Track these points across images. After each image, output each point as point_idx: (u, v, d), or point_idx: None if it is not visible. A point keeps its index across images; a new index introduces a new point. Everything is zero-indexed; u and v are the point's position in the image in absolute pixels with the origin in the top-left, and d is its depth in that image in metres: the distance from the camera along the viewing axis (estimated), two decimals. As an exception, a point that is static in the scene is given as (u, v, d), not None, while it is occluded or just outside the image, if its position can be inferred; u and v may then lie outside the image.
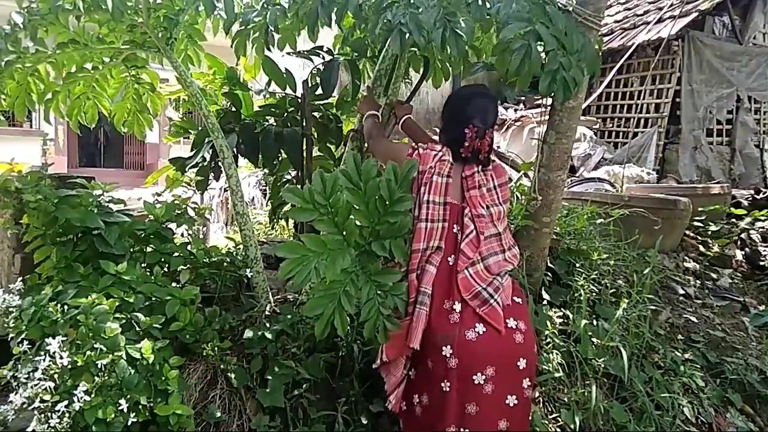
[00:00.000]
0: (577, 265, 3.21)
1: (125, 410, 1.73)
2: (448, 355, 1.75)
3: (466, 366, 1.74)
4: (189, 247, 2.65)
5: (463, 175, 1.95)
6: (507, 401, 1.76)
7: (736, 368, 2.96)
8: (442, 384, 1.75)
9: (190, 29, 2.86)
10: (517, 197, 3.54)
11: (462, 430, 1.73)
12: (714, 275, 4.15)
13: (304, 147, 3.00)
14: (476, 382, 1.73)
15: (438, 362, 1.78)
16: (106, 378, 1.76)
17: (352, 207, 1.78)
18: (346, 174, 1.77)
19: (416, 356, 1.87)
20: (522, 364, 1.81)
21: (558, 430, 2.40)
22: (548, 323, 2.69)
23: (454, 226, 1.91)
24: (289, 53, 2.97)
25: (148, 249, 2.55)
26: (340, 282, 1.72)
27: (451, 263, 1.88)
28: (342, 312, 1.73)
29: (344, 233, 1.76)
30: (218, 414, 2.09)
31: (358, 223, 1.80)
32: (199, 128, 3.10)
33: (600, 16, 2.54)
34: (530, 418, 2.12)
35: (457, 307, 1.81)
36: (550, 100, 2.70)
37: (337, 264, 1.69)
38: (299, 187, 1.76)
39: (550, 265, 3.09)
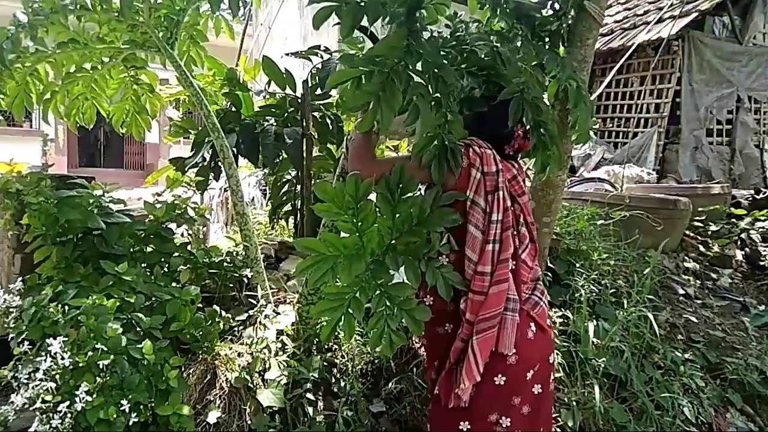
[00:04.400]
0: (577, 265, 3.22)
1: (126, 410, 1.73)
2: (509, 353, 1.81)
3: (523, 363, 1.82)
4: (189, 247, 2.65)
5: (507, 177, 1.89)
6: (533, 389, 1.87)
7: (736, 368, 2.96)
8: (496, 378, 1.81)
9: (192, 30, 2.87)
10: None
11: (502, 418, 1.82)
12: (714, 275, 4.16)
13: (305, 147, 3.00)
14: (527, 378, 1.84)
15: (496, 358, 1.81)
16: (108, 378, 1.76)
17: (377, 215, 1.75)
18: (387, 179, 1.74)
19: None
20: (551, 358, 1.95)
21: (558, 430, 2.40)
22: (548, 323, 2.69)
23: (512, 230, 1.88)
24: (288, 53, 2.97)
25: (149, 249, 2.55)
26: (350, 288, 1.71)
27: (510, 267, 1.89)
28: (351, 318, 1.71)
29: (363, 240, 1.74)
30: (218, 414, 2.09)
31: (379, 230, 1.76)
32: (199, 128, 3.10)
33: (601, 14, 2.55)
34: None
35: None
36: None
37: (353, 269, 1.68)
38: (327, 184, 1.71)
39: (550, 265, 3.09)
